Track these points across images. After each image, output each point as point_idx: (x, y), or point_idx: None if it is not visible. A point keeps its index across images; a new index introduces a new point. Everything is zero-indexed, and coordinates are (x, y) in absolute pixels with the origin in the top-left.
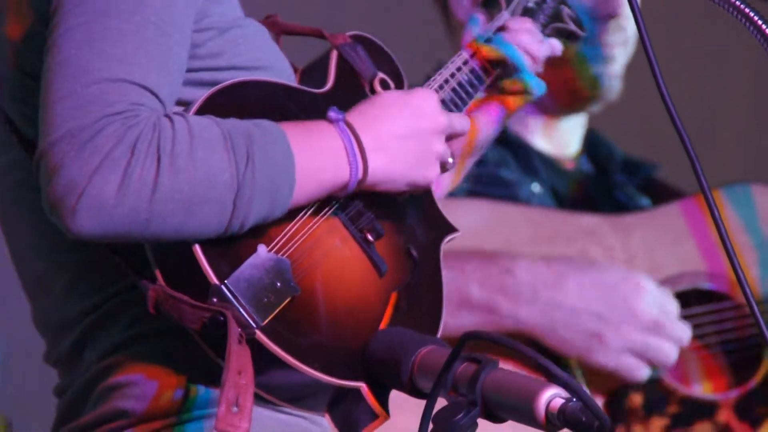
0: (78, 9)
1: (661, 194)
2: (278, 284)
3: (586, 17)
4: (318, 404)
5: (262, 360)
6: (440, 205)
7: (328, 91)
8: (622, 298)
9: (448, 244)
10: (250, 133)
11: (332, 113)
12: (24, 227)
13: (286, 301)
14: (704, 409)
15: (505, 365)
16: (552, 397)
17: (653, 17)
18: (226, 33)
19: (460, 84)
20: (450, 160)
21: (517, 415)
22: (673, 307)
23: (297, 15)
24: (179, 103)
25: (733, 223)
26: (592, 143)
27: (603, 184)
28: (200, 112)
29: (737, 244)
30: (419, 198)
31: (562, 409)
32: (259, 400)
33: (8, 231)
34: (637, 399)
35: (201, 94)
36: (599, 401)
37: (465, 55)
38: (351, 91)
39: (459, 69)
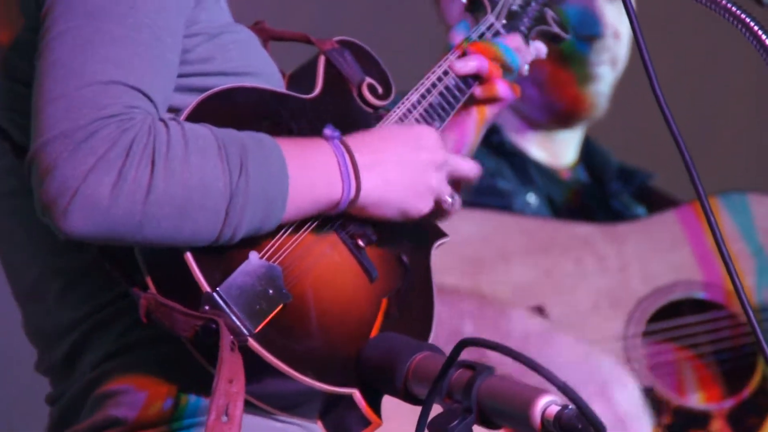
0: (70, 13)
1: (657, 202)
2: (270, 291)
3: (572, 37)
4: (311, 411)
5: (255, 367)
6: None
7: (317, 97)
8: (600, 367)
9: (443, 261)
10: (245, 143)
11: (328, 130)
12: (17, 236)
13: (278, 308)
14: (697, 420)
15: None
16: (548, 404)
17: (650, 23)
18: (216, 38)
19: (447, 88)
20: (448, 199)
21: (513, 422)
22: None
23: (287, 21)
24: (169, 109)
25: (730, 230)
26: (588, 152)
27: (599, 193)
28: (191, 118)
29: (733, 251)
30: None
31: (558, 416)
32: (252, 408)
33: (1, 240)
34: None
35: (191, 100)
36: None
37: (452, 59)
38: (339, 97)
39: (446, 73)
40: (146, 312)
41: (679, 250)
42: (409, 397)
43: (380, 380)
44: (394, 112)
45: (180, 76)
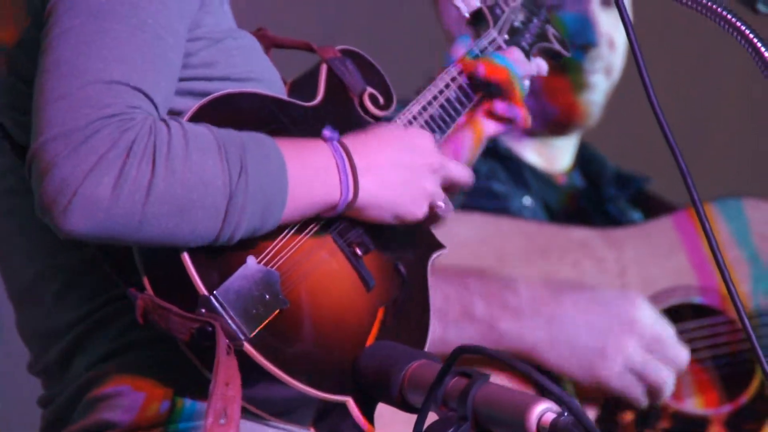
0: (73, 11)
1: (653, 207)
2: (267, 296)
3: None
4: (304, 418)
5: (250, 372)
6: None
7: (318, 105)
8: (621, 312)
9: (440, 259)
10: (245, 143)
11: (327, 132)
12: (15, 236)
13: (275, 313)
14: (695, 425)
15: (501, 380)
16: (544, 411)
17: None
18: (220, 43)
19: (448, 100)
20: (441, 204)
21: (509, 430)
22: (670, 328)
23: (289, 27)
24: (170, 112)
25: (725, 236)
26: (583, 157)
27: (595, 198)
28: (192, 121)
29: (729, 257)
30: None
31: (554, 424)
32: (246, 413)
33: None
34: (629, 414)
35: (192, 104)
36: (591, 416)
37: (453, 71)
38: (340, 105)
39: (447, 86)
40: (143, 313)
41: (677, 256)
42: (405, 406)
43: (376, 388)
44: (395, 122)
45: (182, 79)
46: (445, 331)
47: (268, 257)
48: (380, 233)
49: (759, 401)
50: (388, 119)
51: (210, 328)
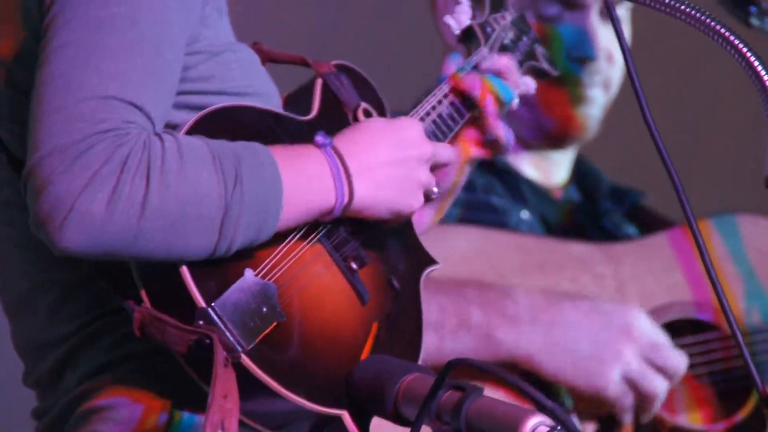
0: (71, 25)
1: (649, 222)
2: (264, 309)
3: (565, 58)
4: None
5: (246, 385)
6: (423, 236)
7: (313, 119)
8: (619, 320)
9: (437, 272)
10: (239, 154)
11: (319, 138)
12: (11, 247)
13: (272, 326)
14: None
15: (495, 394)
16: (536, 425)
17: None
18: (218, 57)
19: (440, 116)
20: (435, 189)
21: None
22: (665, 337)
23: (284, 41)
24: (167, 125)
25: (721, 253)
26: (579, 171)
27: (591, 212)
28: (188, 134)
29: (724, 274)
30: (401, 229)
31: None
32: (243, 426)
33: None
34: (627, 429)
35: (188, 117)
36: (589, 431)
37: (445, 88)
38: (335, 119)
39: (440, 102)
40: (140, 326)
41: (673, 272)
42: (399, 419)
43: (370, 402)
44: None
45: (180, 93)
46: (441, 341)
47: (265, 270)
48: (376, 248)
49: (755, 419)
50: None
51: (208, 341)
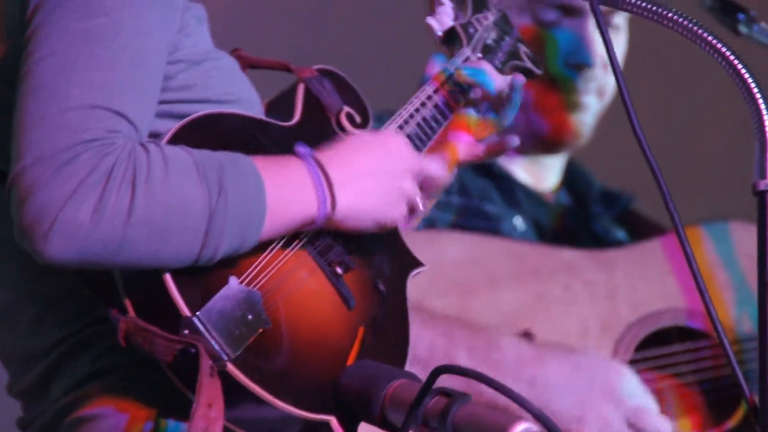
0: (54, 36)
1: (638, 226)
2: (249, 317)
3: (561, 64)
4: None
5: (233, 392)
6: (414, 242)
7: (296, 125)
8: (605, 380)
9: (430, 280)
10: (223, 164)
11: (300, 148)
12: None
13: (257, 333)
14: None
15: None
16: (523, 431)
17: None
18: (199, 65)
19: (424, 119)
20: (419, 202)
21: None
22: (652, 401)
23: (266, 47)
24: (150, 135)
25: (713, 260)
26: (570, 175)
27: (581, 216)
28: (171, 143)
29: (717, 282)
30: (386, 232)
31: None
32: None
33: None
34: None
35: (171, 126)
36: None
37: (429, 90)
38: (318, 125)
39: (423, 104)
40: (125, 335)
41: (665, 278)
42: (386, 425)
43: (357, 407)
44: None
45: (161, 102)
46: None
47: (249, 277)
48: (360, 252)
49: (745, 427)
50: None
51: (193, 350)
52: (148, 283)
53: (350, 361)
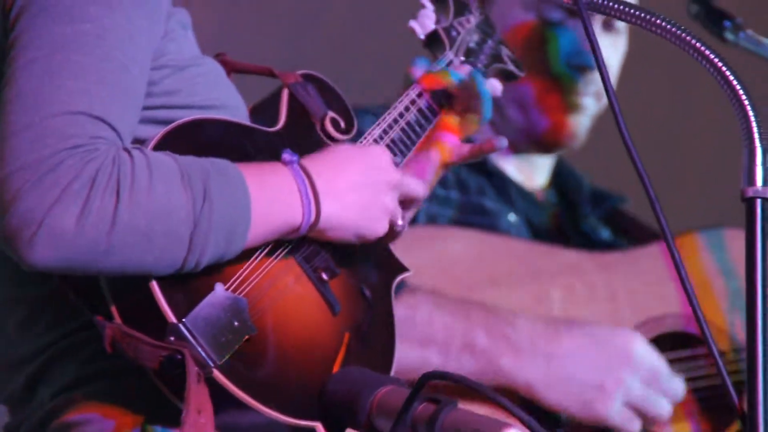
0: (37, 42)
1: (626, 227)
2: (236, 323)
3: (563, 64)
4: None
5: (219, 399)
6: (410, 234)
7: (280, 130)
8: (618, 347)
9: (433, 279)
10: (208, 171)
11: (286, 155)
12: None
13: (243, 340)
14: None
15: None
16: None
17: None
18: (184, 71)
19: (408, 124)
20: (399, 222)
21: None
22: (664, 361)
23: (250, 52)
24: (134, 141)
25: (711, 267)
26: (560, 174)
27: (570, 215)
28: (156, 149)
29: (714, 289)
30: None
31: None
32: None
33: None
34: None
35: (155, 132)
36: None
37: (412, 94)
38: (302, 130)
39: (407, 109)
40: (111, 342)
41: (665, 284)
42: None
43: (344, 414)
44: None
45: (146, 108)
46: (445, 361)
47: (235, 284)
48: (346, 258)
49: None
50: (352, 141)
51: (179, 356)
52: (134, 289)
53: (336, 367)
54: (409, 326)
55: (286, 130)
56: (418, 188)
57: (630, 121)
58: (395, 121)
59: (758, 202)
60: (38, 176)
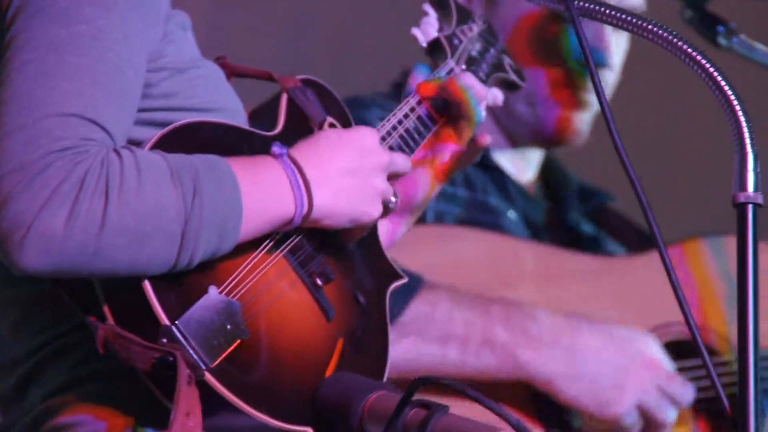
0: (32, 43)
1: (611, 224)
2: (228, 326)
3: (576, 60)
4: None
5: (211, 402)
6: (387, 251)
7: (278, 134)
8: (638, 350)
9: (445, 278)
10: (197, 166)
11: (275, 148)
12: None
13: (236, 343)
14: None
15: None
16: None
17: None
18: (183, 73)
19: (407, 131)
20: (393, 199)
21: None
22: (674, 367)
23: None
24: (131, 142)
25: (715, 274)
26: (548, 167)
27: (557, 210)
28: (152, 150)
29: (718, 296)
30: (367, 244)
31: None
32: None
33: None
34: None
35: (153, 134)
36: None
37: (412, 102)
38: (301, 134)
39: (406, 116)
40: (103, 343)
41: (670, 291)
42: None
43: (335, 419)
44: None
45: (144, 110)
46: (464, 356)
47: (229, 287)
48: (341, 264)
49: None
50: None
51: (171, 358)
52: (127, 290)
53: (329, 372)
54: (428, 323)
55: (284, 134)
56: (406, 164)
57: (621, 126)
58: (394, 128)
59: (749, 207)
60: (27, 179)
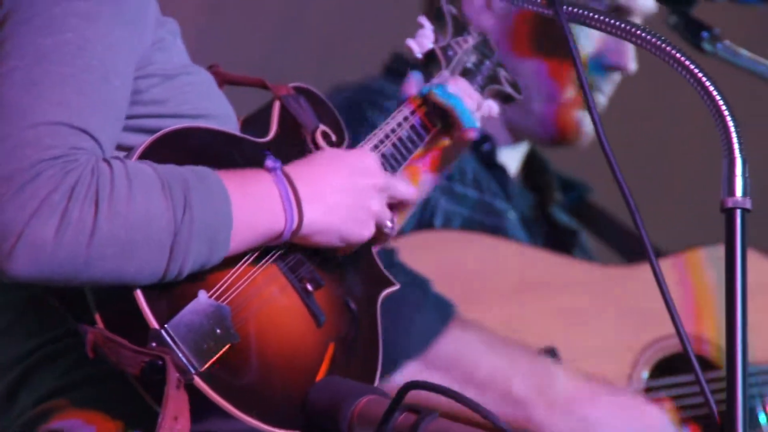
0: (18, 52)
1: (589, 217)
2: (218, 331)
3: (595, 63)
4: None
5: (200, 406)
6: (379, 259)
7: (270, 141)
8: (651, 424)
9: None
10: (187, 178)
11: (269, 162)
12: None
13: (225, 348)
14: None
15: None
16: None
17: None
18: (173, 80)
19: (400, 139)
20: (388, 224)
21: None
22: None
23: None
24: (121, 148)
25: (713, 283)
26: (531, 159)
27: (538, 200)
28: (142, 158)
29: (716, 306)
30: (358, 251)
31: None
32: None
33: None
34: None
35: (143, 140)
36: None
37: (406, 111)
38: (293, 142)
39: (400, 125)
40: (93, 347)
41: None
42: None
43: (325, 423)
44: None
45: (134, 116)
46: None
47: (219, 292)
48: (332, 270)
49: None
50: None
51: (160, 362)
52: (117, 295)
53: (320, 377)
54: None
55: (275, 142)
56: (408, 191)
57: (609, 131)
58: (387, 136)
59: (738, 212)
60: (17, 188)
